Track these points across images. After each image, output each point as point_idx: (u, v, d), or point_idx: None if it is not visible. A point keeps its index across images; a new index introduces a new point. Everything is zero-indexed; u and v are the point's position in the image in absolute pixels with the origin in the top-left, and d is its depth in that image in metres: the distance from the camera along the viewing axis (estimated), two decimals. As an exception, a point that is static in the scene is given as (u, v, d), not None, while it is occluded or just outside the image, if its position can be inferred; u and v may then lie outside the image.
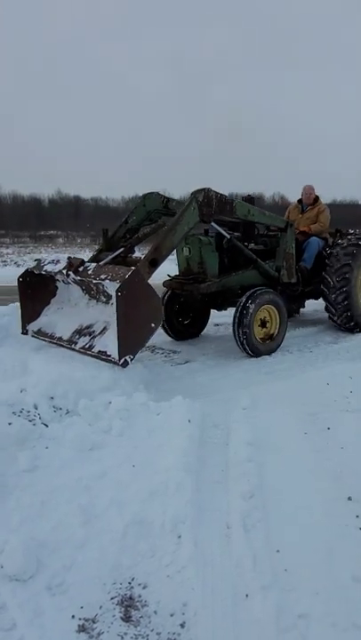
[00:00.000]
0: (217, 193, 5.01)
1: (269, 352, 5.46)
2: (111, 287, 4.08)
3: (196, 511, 2.51)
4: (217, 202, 4.98)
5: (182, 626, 1.94)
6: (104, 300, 4.50)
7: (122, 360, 3.95)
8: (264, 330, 5.52)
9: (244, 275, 5.64)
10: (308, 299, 6.80)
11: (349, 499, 2.69)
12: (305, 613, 1.97)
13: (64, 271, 4.55)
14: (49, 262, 4.85)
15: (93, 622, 1.96)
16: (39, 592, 2.05)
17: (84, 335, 4.39)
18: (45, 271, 4.77)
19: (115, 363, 3.96)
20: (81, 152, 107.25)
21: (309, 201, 6.91)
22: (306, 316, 7.88)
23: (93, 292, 4.60)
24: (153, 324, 4.19)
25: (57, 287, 4.99)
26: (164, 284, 5.81)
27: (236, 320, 5.22)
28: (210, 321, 6.62)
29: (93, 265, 4.56)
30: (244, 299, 5.27)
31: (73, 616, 1.97)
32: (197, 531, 2.39)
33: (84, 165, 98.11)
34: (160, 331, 5.73)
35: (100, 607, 2.03)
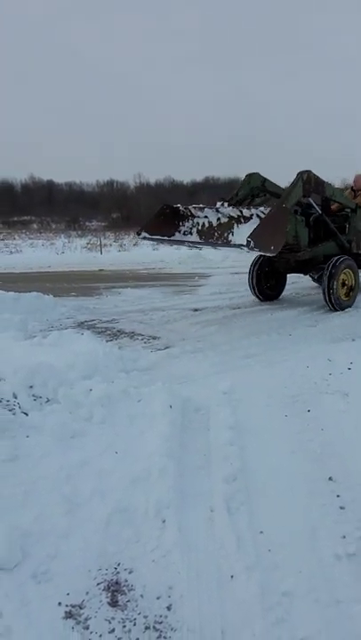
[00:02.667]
0: (315, 175, 6.25)
1: (349, 306, 6.90)
2: (264, 211, 5.55)
3: (179, 496, 2.53)
4: (314, 182, 6.24)
5: (169, 608, 1.96)
6: (220, 244, 6.01)
7: (248, 239, 5.00)
8: (344, 288, 6.91)
9: (326, 245, 7.04)
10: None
11: (330, 479, 2.73)
12: (288, 591, 2.01)
13: (219, 203, 6.27)
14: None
15: (80, 608, 1.96)
16: (25, 581, 2.04)
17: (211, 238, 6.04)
18: (194, 207, 6.34)
19: (240, 246, 5.24)
20: (55, 136, 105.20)
21: (360, 187, 7.98)
22: (283, 299, 7.96)
23: (212, 240, 6.10)
24: (272, 247, 5.06)
25: (174, 234, 6.48)
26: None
27: (327, 275, 6.59)
28: (190, 306, 7.40)
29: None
30: (333, 261, 6.68)
31: (60, 603, 1.97)
32: (181, 515, 2.41)
33: (58, 150, 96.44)
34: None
35: (87, 593, 2.03)
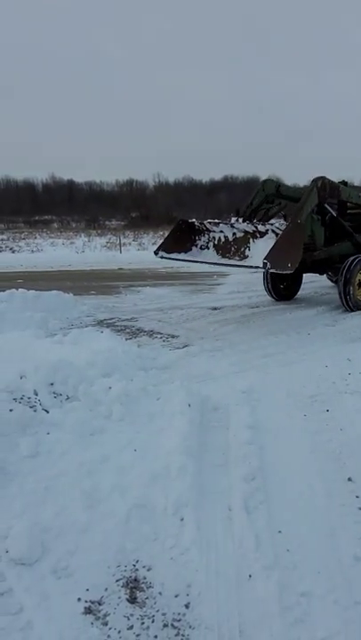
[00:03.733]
0: (330, 180, 6.42)
1: None
2: (280, 227, 5.54)
3: (198, 494, 2.54)
4: (329, 187, 6.40)
5: (187, 606, 1.97)
6: (237, 259, 5.96)
7: (264, 260, 5.03)
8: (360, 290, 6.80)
9: (343, 245, 7.09)
10: None
11: (349, 479, 2.71)
12: (307, 592, 2.00)
13: (233, 218, 6.27)
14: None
15: (99, 604, 1.98)
16: (45, 576, 2.07)
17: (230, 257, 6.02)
18: (209, 222, 6.31)
19: (257, 267, 5.26)
20: (76, 136, 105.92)
21: None
22: (302, 299, 7.91)
23: (229, 254, 6.09)
24: (289, 264, 5.11)
25: (191, 249, 6.46)
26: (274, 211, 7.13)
27: (342, 281, 6.59)
28: (209, 305, 7.41)
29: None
30: (347, 264, 6.61)
31: (79, 599, 1.99)
32: (200, 513, 2.42)
33: (79, 150, 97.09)
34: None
35: (106, 589, 2.05)
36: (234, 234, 6.10)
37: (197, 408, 3.37)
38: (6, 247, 23.24)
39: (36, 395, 3.20)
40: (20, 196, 50.19)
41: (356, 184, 8.57)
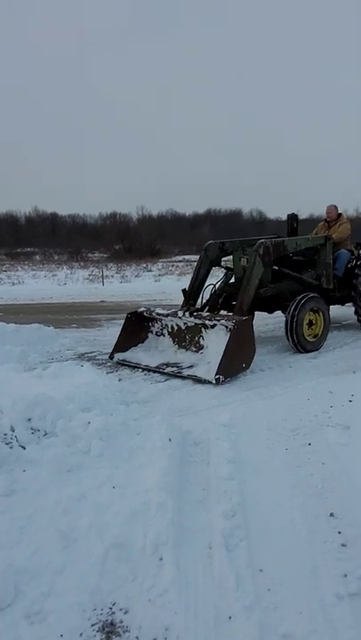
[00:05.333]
0: (271, 241, 6.12)
1: (315, 349, 6.38)
2: (228, 325, 5.22)
3: (177, 532, 2.48)
4: (273, 248, 6.08)
5: (165, 651, 1.91)
6: (194, 350, 5.69)
7: (216, 376, 4.85)
8: (310, 330, 6.40)
9: (292, 283, 6.67)
10: (336, 304, 7.58)
11: (331, 515, 2.69)
12: (288, 633, 1.96)
13: (179, 312, 5.81)
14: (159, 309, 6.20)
15: (74, 651, 1.91)
16: (17, 621, 1.99)
17: (171, 367, 5.46)
18: (158, 313, 6.01)
19: (206, 381, 4.95)
20: (59, 168, 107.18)
21: (333, 217, 7.82)
22: (279, 332, 7.94)
23: (185, 343, 5.83)
24: (244, 365, 5.16)
25: (147, 336, 6.19)
26: (223, 290, 6.63)
27: (289, 320, 6.11)
28: None
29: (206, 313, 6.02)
30: (293, 303, 6.17)
31: (52, 645, 1.91)
32: (179, 552, 2.36)
33: (63, 181, 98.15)
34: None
35: (81, 634, 1.98)
36: (185, 323, 5.82)
37: (178, 443, 3.33)
38: (-12, 279, 23.14)
39: (13, 431, 3.13)
40: (1, 228, 50.27)
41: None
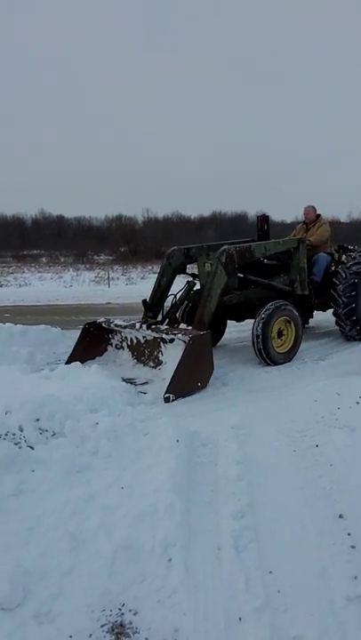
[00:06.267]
0: (235, 247, 5.57)
1: (286, 361, 5.84)
2: (183, 339, 4.79)
3: (186, 533, 2.47)
4: (238, 255, 5.55)
5: (174, 653, 1.90)
6: (152, 365, 5.33)
7: (166, 395, 4.48)
8: (280, 340, 5.89)
9: (261, 289, 6.09)
10: (318, 310, 7.24)
11: (340, 516, 2.67)
12: (299, 635, 1.94)
13: (137, 324, 5.38)
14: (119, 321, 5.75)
15: (83, 652, 1.90)
16: (26, 621, 1.99)
17: (126, 383, 4.91)
18: (116, 325, 5.59)
19: (158, 398, 4.51)
20: (66, 171, 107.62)
21: (311, 219, 7.41)
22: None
23: (144, 358, 5.44)
24: (199, 384, 4.81)
25: (107, 349, 5.82)
26: (186, 299, 5.98)
27: (255, 332, 5.60)
28: None
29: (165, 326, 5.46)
30: (261, 312, 5.64)
31: (62, 646, 1.91)
32: (188, 553, 2.35)
33: (69, 184, 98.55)
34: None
35: (90, 636, 1.97)
36: (144, 336, 5.41)
37: (186, 444, 3.32)
38: (-6, 281, 23.24)
39: (22, 431, 3.14)
40: (8, 230, 50.49)
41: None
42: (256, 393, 4.79)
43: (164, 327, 5.37)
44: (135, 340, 5.54)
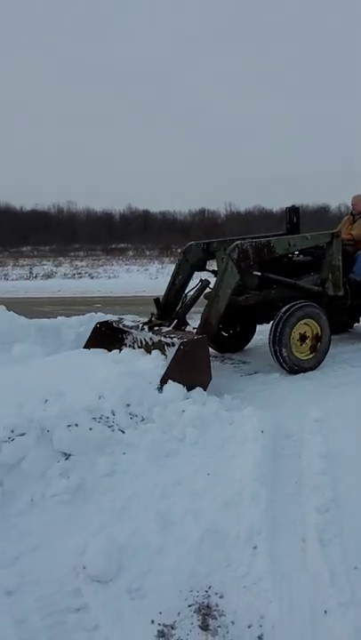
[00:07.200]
0: (251, 242, 4.92)
1: (310, 369, 5.12)
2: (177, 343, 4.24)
3: (271, 523, 2.50)
4: (253, 251, 4.89)
5: (260, 638, 1.94)
6: None
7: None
8: (304, 345, 5.16)
9: (284, 289, 5.35)
10: (355, 314, 6.35)
11: None
12: (386, 634, 1.91)
13: (140, 325, 5.00)
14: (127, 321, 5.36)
15: (172, 628, 1.99)
16: (120, 595, 2.12)
17: None
18: (124, 325, 5.20)
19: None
20: (151, 167, 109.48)
21: (359, 210, 6.47)
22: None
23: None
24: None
25: (122, 350, 5.14)
26: (205, 296, 5.27)
27: (271, 336, 4.96)
28: None
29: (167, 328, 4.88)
30: (280, 314, 4.98)
31: (152, 621, 2.02)
32: (273, 543, 2.38)
33: (155, 180, 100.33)
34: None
35: (178, 614, 2.06)
36: (150, 338, 4.88)
37: (270, 435, 3.34)
38: (85, 273, 24.29)
39: (114, 415, 3.30)
40: (98, 225, 52.43)
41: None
42: (337, 387, 4.65)
43: (165, 329, 4.84)
44: (144, 342, 5.07)
